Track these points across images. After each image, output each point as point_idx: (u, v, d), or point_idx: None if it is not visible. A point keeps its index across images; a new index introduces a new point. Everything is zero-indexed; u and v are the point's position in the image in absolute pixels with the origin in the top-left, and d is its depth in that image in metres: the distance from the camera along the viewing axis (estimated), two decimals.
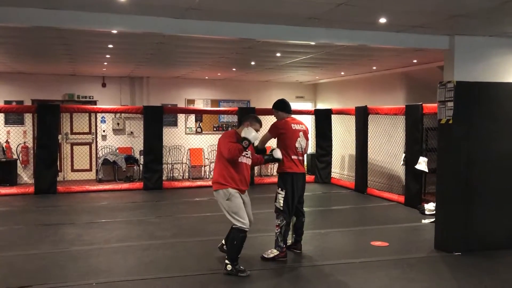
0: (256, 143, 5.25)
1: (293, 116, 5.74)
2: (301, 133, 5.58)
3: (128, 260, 5.52)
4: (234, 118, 12.47)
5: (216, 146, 5.24)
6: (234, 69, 10.50)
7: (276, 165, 5.68)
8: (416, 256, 5.72)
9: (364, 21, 5.27)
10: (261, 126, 5.16)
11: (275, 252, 5.45)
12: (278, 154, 5.44)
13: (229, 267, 4.95)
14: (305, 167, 5.79)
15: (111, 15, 5.00)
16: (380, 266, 5.31)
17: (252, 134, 4.89)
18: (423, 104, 8.42)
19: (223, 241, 5.49)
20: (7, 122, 11.44)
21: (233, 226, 4.95)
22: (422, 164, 8.37)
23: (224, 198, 4.94)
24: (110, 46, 7.42)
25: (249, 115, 5.38)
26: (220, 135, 5.19)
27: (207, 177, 12.41)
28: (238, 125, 11.21)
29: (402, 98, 10.16)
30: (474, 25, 5.35)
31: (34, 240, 6.35)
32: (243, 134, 4.92)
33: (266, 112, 11.14)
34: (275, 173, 11.21)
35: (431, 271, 5.16)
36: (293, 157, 5.48)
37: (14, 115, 11.41)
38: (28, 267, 5.22)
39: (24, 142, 11.50)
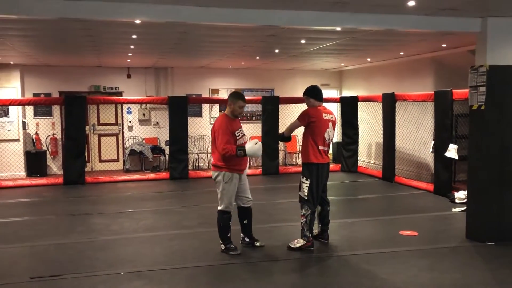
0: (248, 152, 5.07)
1: (324, 104, 5.61)
2: (330, 124, 5.44)
3: (155, 249, 5.56)
4: (258, 107, 12.38)
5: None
6: (257, 58, 10.41)
7: (302, 156, 5.58)
8: (446, 246, 5.58)
9: (392, 4, 5.10)
10: (244, 100, 5.22)
11: (301, 242, 5.39)
12: (250, 147, 5.03)
13: (222, 246, 5.30)
14: (329, 157, 5.69)
15: (134, 5, 4.98)
16: (409, 256, 5.20)
17: (254, 150, 5.01)
18: (453, 90, 8.18)
19: (242, 234, 5.55)
20: (36, 114, 11.67)
21: (219, 209, 5.22)
22: (452, 151, 8.15)
23: (223, 181, 5.15)
24: (134, 36, 7.43)
25: (230, 93, 5.38)
26: (216, 122, 5.26)
27: None
28: (263, 115, 11.21)
29: (430, 84, 9.90)
30: (508, 5, 5.11)
31: (64, 230, 6.47)
32: (248, 146, 5.00)
33: (290, 100, 11.11)
34: (299, 162, 11.16)
35: (463, 262, 5.02)
36: (320, 147, 5.36)
37: (42, 107, 11.62)
38: (58, 256, 5.32)
39: (53, 134, 11.72)
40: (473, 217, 5.81)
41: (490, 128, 5.56)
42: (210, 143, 5.44)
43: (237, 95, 5.25)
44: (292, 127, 5.60)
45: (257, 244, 5.48)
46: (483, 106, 5.53)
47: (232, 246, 5.28)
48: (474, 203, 5.81)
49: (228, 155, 5.03)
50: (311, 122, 5.36)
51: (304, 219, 5.36)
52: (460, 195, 7.82)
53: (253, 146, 5.03)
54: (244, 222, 5.43)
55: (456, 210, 7.37)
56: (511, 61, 5.56)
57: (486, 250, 5.42)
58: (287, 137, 5.71)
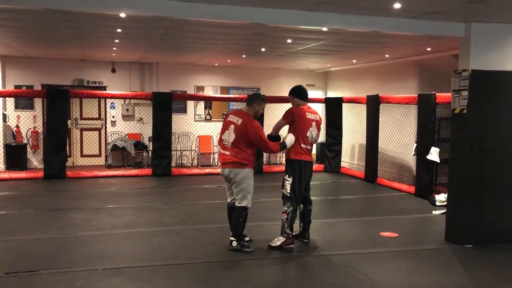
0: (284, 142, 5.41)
1: (308, 104, 5.66)
2: (313, 123, 5.49)
3: (135, 246, 5.50)
4: (243, 106, 12.35)
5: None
6: (244, 56, 10.38)
7: (285, 153, 5.62)
8: (426, 247, 5.63)
9: (378, 6, 5.12)
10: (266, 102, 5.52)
11: (281, 239, 5.40)
12: (288, 139, 5.37)
13: (234, 243, 5.21)
14: (313, 157, 5.75)
15: None
16: (389, 258, 5.23)
17: (291, 140, 5.37)
18: (436, 94, 8.27)
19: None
20: (17, 106, 11.46)
21: (238, 205, 5.21)
22: (433, 154, 8.24)
23: (248, 177, 5.20)
24: (119, 30, 7.34)
25: (254, 95, 5.55)
26: (240, 120, 5.25)
27: (216, 164, 12.37)
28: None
29: (414, 87, 9.99)
30: (492, 11, 5.18)
31: (42, 225, 6.36)
32: (287, 141, 5.32)
33: (276, 100, 11.08)
34: (283, 161, 11.15)
35: (442, 264, 5.07)
36: (302, 145, 5.41)
37: (24, 100, 11.42)
38: (35, 251, 5.23)
39: (34, 127, 11.52)
40: (453, 219, 5.87)
41: (471, 132, 5.63)
42: (233, 141, 5.18)
43: (262, 98, 5.46)
44: (278, 127, 5.64)
45: (246, 239, 5.47)
46: (465, 110, 5.60)
47: (246, 243, 5.32)
48: (454, 206, 5.87)
49: (273, 152, 5.48)
50: (294, 120, 5.42)
51: (286, 216, 5.37)
52: (441, 197, 7.91)
53: (291, 139, 5.35)
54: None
55: (436, 212, 7.46)
56: (493, 66, 5.64)
57: (465, 252, 5.48)
58: (275, 137, 5.72)
